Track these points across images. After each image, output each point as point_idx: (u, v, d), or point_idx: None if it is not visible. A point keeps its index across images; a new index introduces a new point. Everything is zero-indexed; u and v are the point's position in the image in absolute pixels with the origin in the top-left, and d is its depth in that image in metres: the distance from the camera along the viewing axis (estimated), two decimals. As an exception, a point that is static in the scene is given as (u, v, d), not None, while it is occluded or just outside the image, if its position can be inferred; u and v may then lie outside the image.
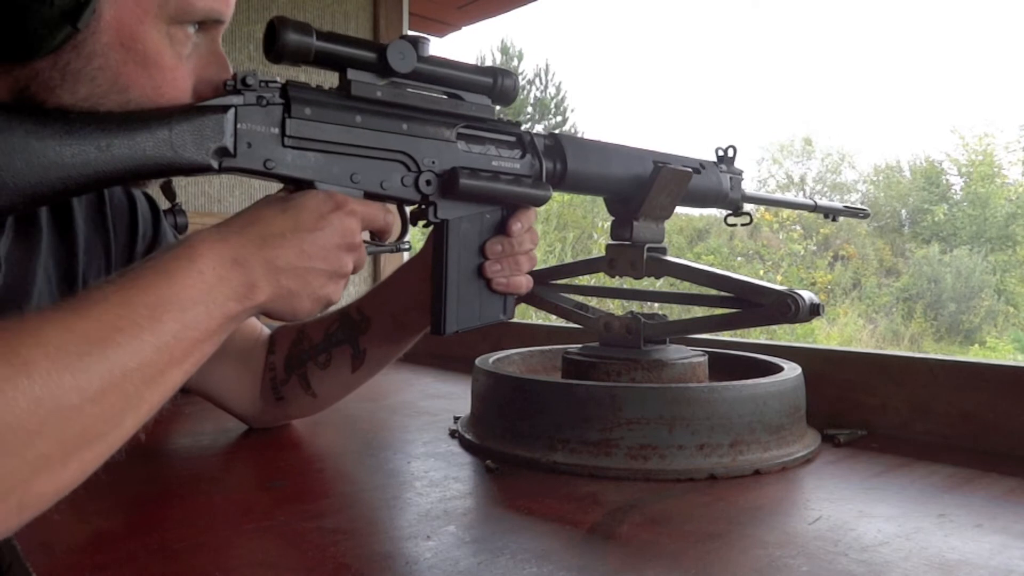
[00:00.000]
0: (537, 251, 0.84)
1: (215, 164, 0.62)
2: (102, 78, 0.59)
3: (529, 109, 17.36)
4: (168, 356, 0.54)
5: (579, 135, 1.04)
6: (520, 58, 17.84)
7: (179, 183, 1.39)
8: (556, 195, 0.89)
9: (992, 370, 0.93)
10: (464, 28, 2.40)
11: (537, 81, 17.75)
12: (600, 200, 0.99)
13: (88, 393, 0.49)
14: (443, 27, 2.36)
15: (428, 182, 0.74)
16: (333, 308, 0.84)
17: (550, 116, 17.43)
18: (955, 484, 0.78)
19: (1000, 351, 8.63)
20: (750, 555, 0.59)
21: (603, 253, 0.99)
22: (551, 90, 17.77)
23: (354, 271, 0.68)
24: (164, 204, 0.89)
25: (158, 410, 0.56)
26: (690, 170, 0.95)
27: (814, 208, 1.19)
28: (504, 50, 17.75)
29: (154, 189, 0.84)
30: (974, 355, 8.11)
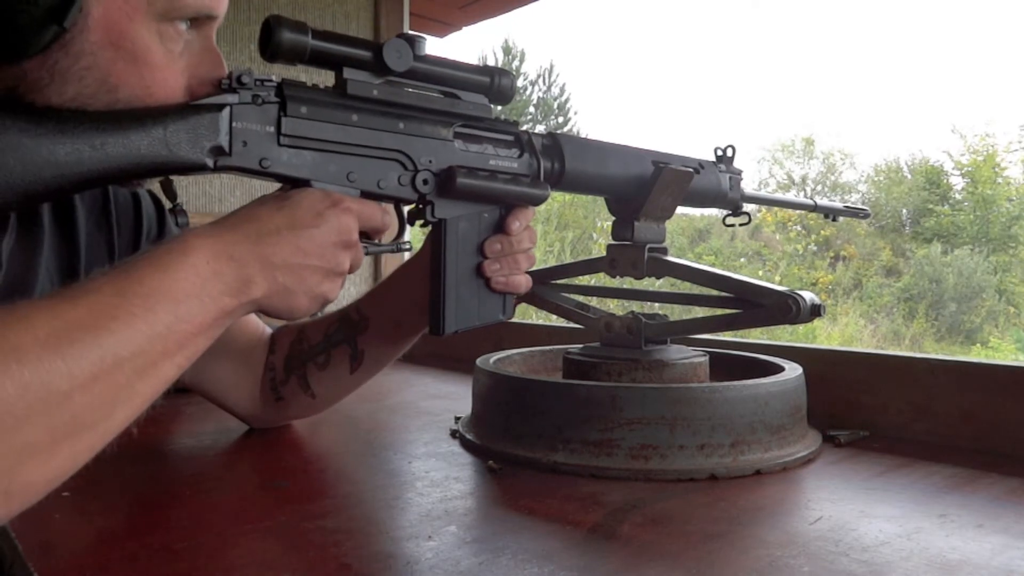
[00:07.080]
0: (537, 251, 0.84)
1: (210, 163, 0.62)
2: (91, 78, 0.58)
3: (532, 110, 17.34)
4: (161, 347, 0.54)
5: (581, 135, 1.04)
6: (522, 59, 17.81)
7: (180, 183, 1.38)
8: (557, 195, 0.89)
9: (993, 370, 0.93)
10: (465, 28, 2.39)
11: (540, 82, 17.73)
12: (600, 200, 0.99)
13: (79, 380, 0.48)
14: (444, 27, 2.35)
15: (425, 181, 0.74)
16: (333, 308, 0.84)
17: (553, 117, 17.40)
18: (956, 484, 0.78)
19: (1003, 351, 8.62)
20: (751, 555, 0.59)
21: (603, 253, 0.99)
22: (554, 91, 17.76)
23: (351, 270, 0.68)
24: (166, 204, 0.89)
25: (150, 404, 0.55)
26: (692, 170, 0.95)
27: (814, 208, 1.19)
28: (506, 50, 17.72)
29: (154, 188, 0.84)
30: (975, 355, 8.10)
